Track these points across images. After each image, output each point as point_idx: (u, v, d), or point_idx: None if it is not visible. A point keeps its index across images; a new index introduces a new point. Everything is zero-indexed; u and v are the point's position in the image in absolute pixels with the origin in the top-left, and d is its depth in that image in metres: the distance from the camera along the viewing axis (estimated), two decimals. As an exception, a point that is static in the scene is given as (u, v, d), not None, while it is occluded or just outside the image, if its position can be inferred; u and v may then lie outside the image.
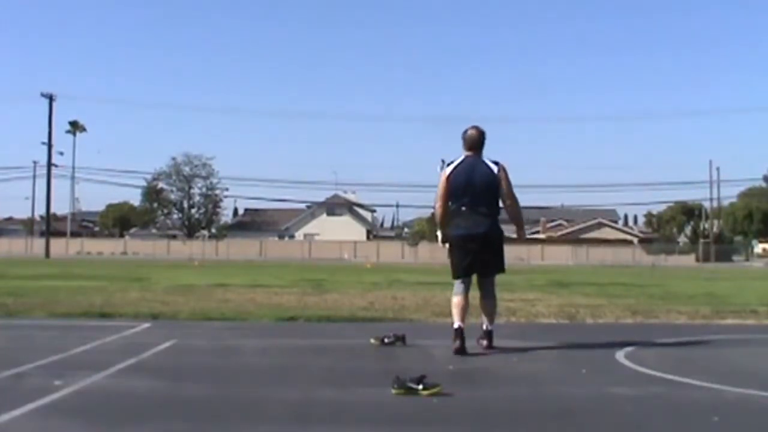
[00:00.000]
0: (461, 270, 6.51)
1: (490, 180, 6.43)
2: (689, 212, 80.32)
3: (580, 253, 64.66)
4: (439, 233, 6.75)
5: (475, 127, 6.62)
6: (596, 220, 77.22)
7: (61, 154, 63.91)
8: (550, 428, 4.02)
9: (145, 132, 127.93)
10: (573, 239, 71.47)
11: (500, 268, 6.64)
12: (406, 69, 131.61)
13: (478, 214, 6.42)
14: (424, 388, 4.59)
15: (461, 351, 6.16)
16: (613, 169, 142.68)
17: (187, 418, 4.09)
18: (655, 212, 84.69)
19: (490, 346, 6.50)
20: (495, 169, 6.47)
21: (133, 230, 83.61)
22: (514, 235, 6.83)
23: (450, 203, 6.52)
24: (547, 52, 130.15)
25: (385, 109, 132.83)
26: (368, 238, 77.10)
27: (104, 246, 68.37)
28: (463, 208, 6.45)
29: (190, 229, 77.01)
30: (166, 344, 6.76)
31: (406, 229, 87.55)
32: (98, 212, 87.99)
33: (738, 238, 77.60)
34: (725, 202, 77.38)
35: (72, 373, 5.16)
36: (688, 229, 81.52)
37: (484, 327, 6.60)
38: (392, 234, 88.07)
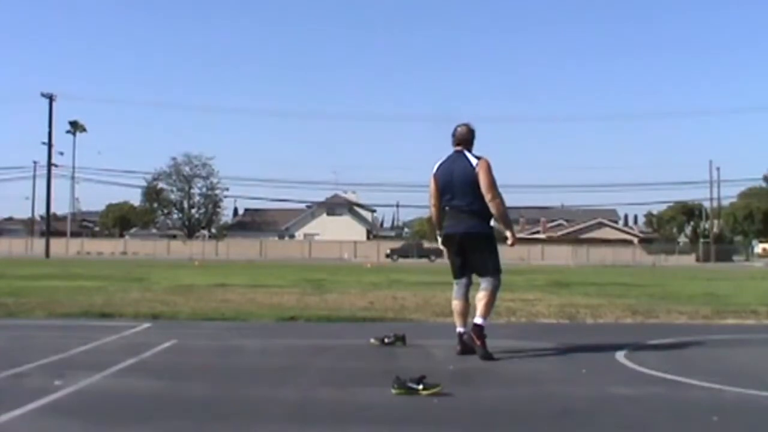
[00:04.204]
0: (454, 272, 6.44)
1: (468, 174, 6.15)
2: (689, 212, 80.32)
3: (581, 253, 64.67)
4: (438, 236, 6.61)
5: (465, 124, 6.45)
6: (596, 220, 77.22)
7: (61, 154, 63.96)
8: (550, 428, 4.02)
9: (145, 132, 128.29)
10: (573, 239, 71.48)
11: (489, 268, 6.23)
12: (406, 69, 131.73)
13: (459, 211, 6.24)
14: (424, 388, 4.59)
15: (463, 354, 6.16)
16: (613, 169, 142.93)
17: (187, 418, 4.08)
18: (655, 212, 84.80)
19: (473, 341, 5.99)
20: (474, 162, 6.18)
21: (133, 230, 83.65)
22: (509, 242, 6.27)
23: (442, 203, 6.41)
24: (548, 53, 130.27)
25: (385, 109, 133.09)
26: (368, 238, 77.09)
27: (104, 246, 68.38)
28: (447, 208, 6.34)
29: (190, 229, 77.03)
30: (166, 344, 6.76)
31: (406, 229, 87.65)
32: (98, 212, 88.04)
33: (738, 238, 77.64)
34: (725, 202, 77.51)
35: (72, 373, 5.16)
36: (688, 229, 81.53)
37: (473, 320, 6.10)
38: (392, 234, 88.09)
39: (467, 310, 6.33)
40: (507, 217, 6.33)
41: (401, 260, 57.07)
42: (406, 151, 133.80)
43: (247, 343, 7.04)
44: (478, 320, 6.09)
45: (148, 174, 77.00)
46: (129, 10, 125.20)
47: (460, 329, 6.26)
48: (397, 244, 69.67)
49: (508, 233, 6.30)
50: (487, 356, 5.96)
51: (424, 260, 56.33)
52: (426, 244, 63.87)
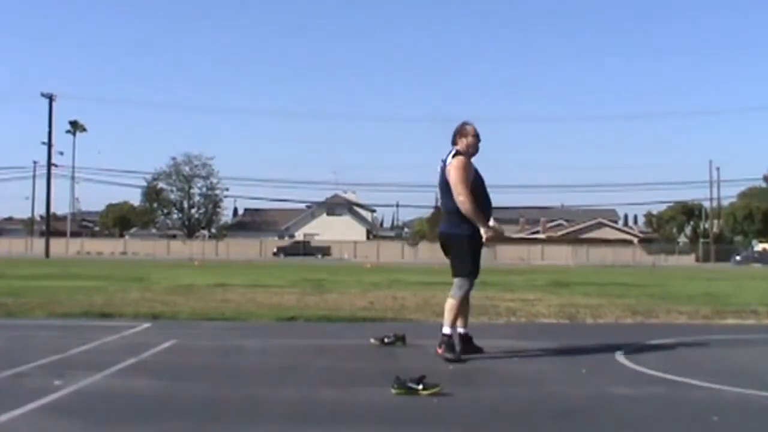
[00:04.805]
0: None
1: (442, 174, 6.16)
2: (689, 212, 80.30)
3: (580, 253, 64.67)
4: None
5: (461, 123, 6.38)
6: (596, 220, 77.20)
7: (61, 154, 64.03)
8: (550, 428, 4.02)
9: (145, 132, 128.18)
10: (573, 239, 71.46)
11: (456, 271, 6.15)
12: (406, 69, 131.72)
13: (442, 211, 6.34)
14: (424, 388, 4.59)
15: (479, 351, 6.27)
16: (613, 169, 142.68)
17: (187, 418, 4.09)
18: (655, 212, 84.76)
19: (437, 351, 6.02)
20: (449, 161, 6.12)
21: (133, 230, 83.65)
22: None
23: None
24: (548, 53, 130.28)
25: (385, 109, 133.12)
26: (368, 238, 77.11)
27: (104, 246, 68.39)
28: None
29: (190, 229, 77.02)
30: (166, 344, 6.76)
31: (406, 229, 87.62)
32: (98, 212, 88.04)
33: (738, 238, 77.58)
34: (725, 202, 77.56)
35: (72, 373, 5.16)
36: (688, 229, 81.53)
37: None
38: (392, 234, 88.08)
39: (465, 311, 6.33)
40: (476, 214, 6.02)
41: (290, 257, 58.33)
42: (406, 151, 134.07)
43: (247, 343, 7.04)
44: (444, 329, 6.06)
45: (148, 174, 77.13)
46: (129, 9, 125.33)
47: (460, 330, 6.27)
48: (397, 245, 69.80)
49: (482, 230, 6.07)
50: (452, 360, 5.89)
51: (311, 258, 57.70)
52: (313, 243, 65.55)
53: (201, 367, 5.73)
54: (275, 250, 65.02)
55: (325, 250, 64.76)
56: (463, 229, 6.07)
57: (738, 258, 62.86)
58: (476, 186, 6.14)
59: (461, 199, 5.98)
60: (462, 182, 6.00)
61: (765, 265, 55.08)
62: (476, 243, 6.11)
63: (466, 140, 6.23)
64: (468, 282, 6.14)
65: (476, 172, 6.23)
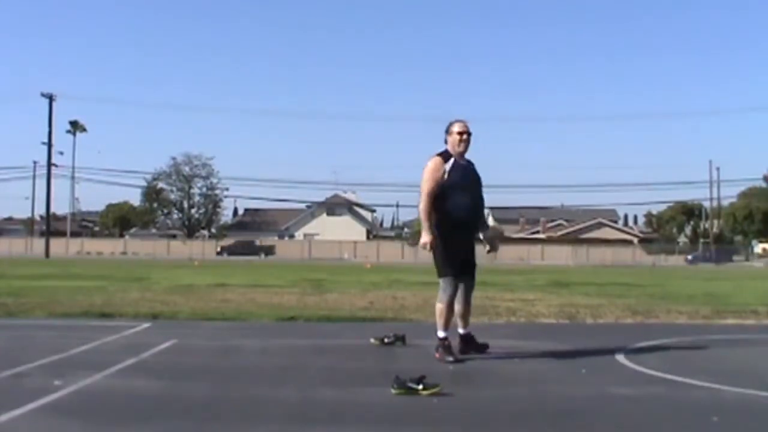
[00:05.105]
0: None
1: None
2: (689, 212, 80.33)
3: (580, 253, 64.69)
4: None
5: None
6: (596, 220, 77.21)
7: (61, 154, 64.09)
8: (550, 428, 4.02)
9: (145, 132, 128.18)
10: (573, 239, 71.47)
11: (437, 271, 6.12)
12: (405, 69, 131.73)
13: None
14: (424, 388, 4.59)
15: (482, 350, 6.27)
16: (613, 169, 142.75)
17: (187, 418, 4.09)
18: (655, 212, 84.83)
19: (435, 355, 5.98)
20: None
21: (133, 230, 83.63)
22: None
23: None
24: (548, 52, 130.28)
25: (385, 109, 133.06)
26: (368, 238, 77.10)
27: (104, 246, 68.40)
28: None
29: (190, 229, 76.99)
30: (166, 344, 6.76)
31: (406, 229, 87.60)
32: (98, 212, 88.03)
33: (738, 238, 77.61)
34: (725, 202, 77.57)
35: (72, 373, 5.16)
36: (688, 229, 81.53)
37: None
38: (392, 234, 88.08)
39: (463, 312, 6.23)
40: (425, 218, 5.98)
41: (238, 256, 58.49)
42: (406, 151, 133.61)
43: (247, 343, 7.04)
44: (438, 333, 6.03)
45: (148, 174, 77.09)
46: (129, 9, 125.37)
47: (460, 330, 6.26)
48: (397, 245, 69.78)
49: (422, 234, 5.99)
50: (451, 362, 5.86)
51: (254, 257, 57.88)
52: (257, 242, 66.81)
53: (201, 367, 5.73)
54: (219, 249, 65.11)
55: (267, 249, 65.34)
56: (437, 230, 6.00)
57: (690, 258, 63.55)
58: (463, 186, 6.05)
59: (421, 199, 6.01)
60: (423, 183, 6.00)
61: (718, 264, 55.70)
62: (458, 243, 6.01)
63: (451, 138, 6.17)
64: (451, 283, 6.03)
65: (466, 170, 6.13)
